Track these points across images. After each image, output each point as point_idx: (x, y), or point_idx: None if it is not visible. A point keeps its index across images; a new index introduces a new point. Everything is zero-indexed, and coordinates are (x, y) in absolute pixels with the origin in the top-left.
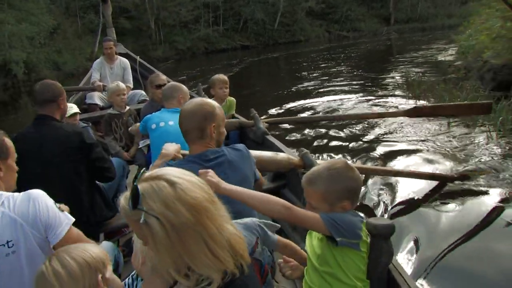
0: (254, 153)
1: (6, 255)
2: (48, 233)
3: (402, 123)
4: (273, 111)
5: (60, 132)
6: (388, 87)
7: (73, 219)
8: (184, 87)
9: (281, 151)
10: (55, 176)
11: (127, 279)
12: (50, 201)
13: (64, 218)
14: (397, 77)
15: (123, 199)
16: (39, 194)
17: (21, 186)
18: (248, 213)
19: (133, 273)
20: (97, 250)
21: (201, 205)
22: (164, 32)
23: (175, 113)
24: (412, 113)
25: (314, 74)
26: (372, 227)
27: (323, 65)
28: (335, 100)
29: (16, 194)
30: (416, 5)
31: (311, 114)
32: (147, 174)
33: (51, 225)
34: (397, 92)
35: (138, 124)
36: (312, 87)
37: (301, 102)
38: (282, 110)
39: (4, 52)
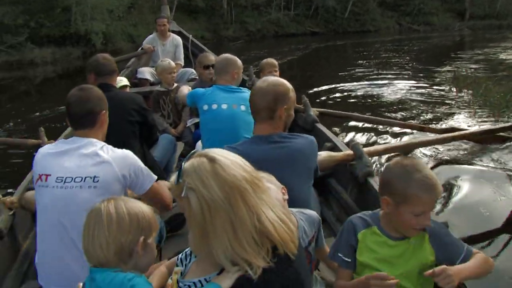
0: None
1: (89, 187)
2: (132, 187)
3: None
4: (323, 97)
5: (121, 96)
6: (435, 79)
7: (156, 177)
8: (239, 62)
9: (330, 140)
10: (114, 133)
11: (180, 254)
12: (139, 160)
13: (147, 176)
14: (448, 71)
15: (174, 175)
16: (131, 153)
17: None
18: (303, 203)
19: (187, 249)
20: (151, 215)
21: (237, 184)
22: (236, 12)
23: (229, 93)
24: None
25: (371, 63)
26: None
27: (384, 55)
28: (380, 86)
29: (113, 147)
30: (496, 1)
31: (357, 101)
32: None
33: (137, 182)
34: (441, 84)
35: (185, 91)
36: (364, 74)
37: (351, 87)
38: (334, 95)
39: (87, 23)
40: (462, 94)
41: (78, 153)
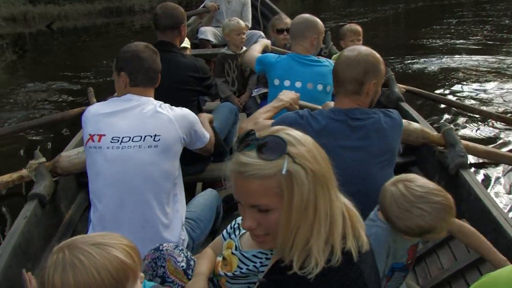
0: None
1: (149, 147)
2: (189, 145)
3: None
4: (415, 72)
5: (181, 61)
6: None
7: (208, 136)
8: (320, 25)
9: (416, 122)
10: (171, 101)
11: (224, 231)
12: (197, 119)
13: (202, 137)
14: None
15: (250, 154)
16: (190, 112)
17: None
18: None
19: (233, 223)
20: (119, 264)
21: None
22: None
23: (306, 66)
24: None
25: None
26: None
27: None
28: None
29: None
30: None
31: (461, 83)
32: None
33: (194, 140)
34: None
35: (255, 53)
36: (483, 46)
37: (459, 64)
38: (431, 71)
39: None
40: None
41: (136, 111)
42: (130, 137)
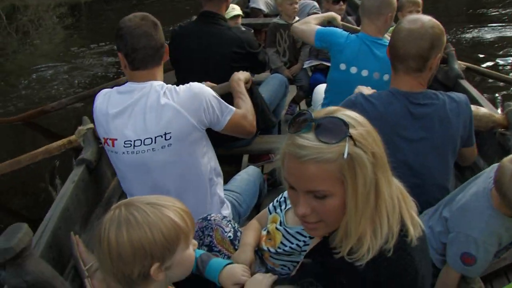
0: None
1: (162, 147)
2: (212, 125)
3: None
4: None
5: (226, 34)
6: None
7: (234, 109)
8: (394, 1)
9: (476, 102)
10: (213, 79)
11: (271, 204)
12: (212, 93)
13: (225, 108)
14: None
15: (307, 136)
16: (201, 87)
17: (179, 80)
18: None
19: (280, 196)
20: (170, 233)
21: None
22: None
23: (376, 53)
24: None
25: None
26: None
27: None
28: None
29: (176, 86)
30: None
31: None
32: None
33: (214, 117)
34: None
35: (311, 26)
36: None
37: None
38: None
39: None
40: None
41: (139, 107)
42: (141, 140)
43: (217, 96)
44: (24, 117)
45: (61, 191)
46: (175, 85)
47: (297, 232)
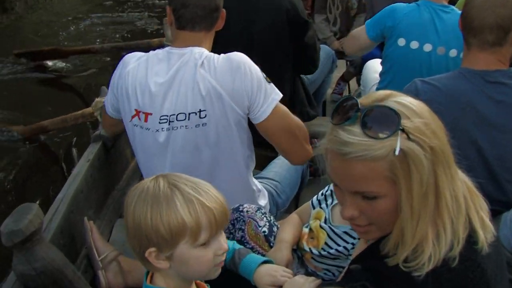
0: None
1: (196, 126)
2: (252, 109)
3: None
4: None
5: (271, 0)
6: None
7: (281, 94)
8: None
9: None
10: (256, 52)
11: (314, 197)
12: (256, 68)
13: (271, 91)
14: None
15: (352, 129)
16: (243, 60)
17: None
18: None
19: (326, 189)
20: (174, 228)
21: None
22: None
23: (442, 22)
24: None
25: None
26: None
27: None
28: None
29: (216, 55)
30: None
31: None
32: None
33: (256, 100)
34: None
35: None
36: None
37: None
38: None
39: None
40: None
41: (177, 79)
42: (175, 115)
43: (262, 76)
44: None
45: (74, 170)
46: (214, 55)
47: (345, 232)
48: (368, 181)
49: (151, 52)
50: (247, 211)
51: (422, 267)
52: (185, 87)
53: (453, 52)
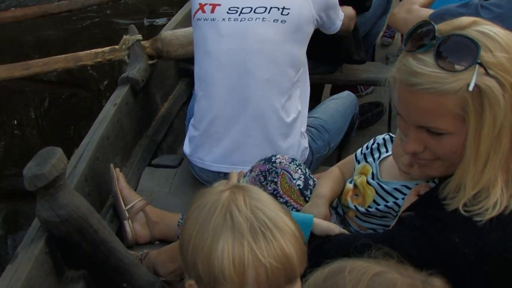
0: None
1: (275, 21)
2: (322, 27)
3: None
4: None
5: None
6: None
7: (342, 14)
8: None
9: None
10: None
11: (359, 150)
12: None
13: (339, 15)
14: None
15: (425, 58)
16: None
17: None
18: None
19: (372, 142)
20: (221, 265)
21: None
22: None
23: None
24: None
25: None
26: None
27: None
28: None
29: None
30: None
31: None
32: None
33: (327, 23)
34: None
35: (418, 8)
36: None
37: None
38: None
39: None
40: None
41: None
42: (251, 8)
43: (338, 5)
44: None
45: (100, 114)
46: None
47: (395, 189)
48: (436, 116)
49: None
50: (280, 162)
51: (485, 213)
52: None
53: None
